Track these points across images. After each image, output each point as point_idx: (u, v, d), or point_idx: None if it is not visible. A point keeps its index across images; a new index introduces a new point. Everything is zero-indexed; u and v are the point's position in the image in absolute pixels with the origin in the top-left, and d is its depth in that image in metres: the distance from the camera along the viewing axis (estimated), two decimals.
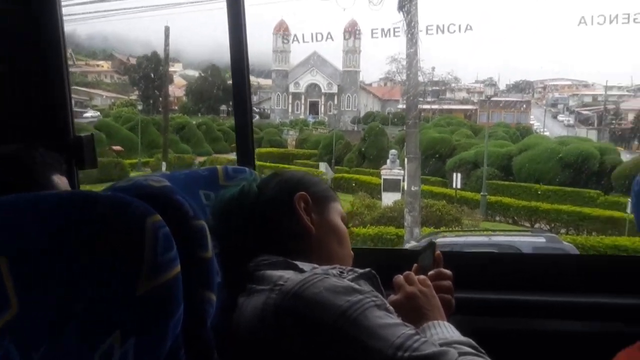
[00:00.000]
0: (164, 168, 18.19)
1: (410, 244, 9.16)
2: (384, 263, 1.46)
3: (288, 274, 1.01)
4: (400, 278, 1.19)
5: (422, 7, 10.82)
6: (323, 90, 33.63)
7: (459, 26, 16.04)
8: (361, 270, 1.09)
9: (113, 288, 0.78)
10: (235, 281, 1.08)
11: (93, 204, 0.82)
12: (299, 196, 1.19)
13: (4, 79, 1.91)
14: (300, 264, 1.06)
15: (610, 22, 13.98)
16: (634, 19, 13.41)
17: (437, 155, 21.37)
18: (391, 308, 1.02)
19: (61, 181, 1.42)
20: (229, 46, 1.95)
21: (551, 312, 1.64)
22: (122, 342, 0.77)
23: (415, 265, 1.31)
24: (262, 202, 1.19)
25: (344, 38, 28.95)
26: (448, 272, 1.28)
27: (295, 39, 29.22)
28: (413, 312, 1.11)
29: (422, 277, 1.20)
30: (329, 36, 18.99)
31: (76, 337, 0.77)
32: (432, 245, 1.31)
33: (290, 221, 1.18)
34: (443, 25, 15.67)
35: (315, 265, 1.07)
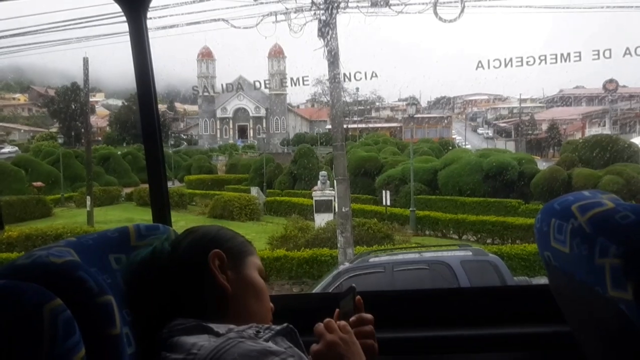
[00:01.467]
0: (88, 202, 17.48)
1: (344, 265, 9.21)
2: (304, 308, 1.48)
3: (202, 340, 0.99)
4: (320, 327, 1.16)
5: (341, 32, 11.18)
6: (251, 114, 33.60)
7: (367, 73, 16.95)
8: (278, 327, 1.09)
9: None
10: (148, 350, 1.05)
11: None
12: (214, 254, 1.16)
13: None
14: (215, 327, 1.03)
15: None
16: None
17: (366, 174, 21.77)
18: None
19: None
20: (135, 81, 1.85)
21: (468, 346, 1.67)
22: None
23: (337, 310, 1.29)
24: (175, 262, 1.15)
25: (269, 62, 29.20)
26: (369, 316, 1.27)
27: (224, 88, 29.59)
28: None
29: (342, 323, 1.17)
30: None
31: None
32: (352, 290, 1.29)
33: (205, 281, 1.14)
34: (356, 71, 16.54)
35: (231, 326, 1.05)
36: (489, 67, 14.86)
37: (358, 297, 1.29)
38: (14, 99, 36.85)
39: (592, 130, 27.21)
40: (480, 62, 15.03)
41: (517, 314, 1.71)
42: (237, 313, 1.14)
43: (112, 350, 0.93)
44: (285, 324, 1.11)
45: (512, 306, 1.76)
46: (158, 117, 1.90)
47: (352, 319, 1.25)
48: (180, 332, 1.04)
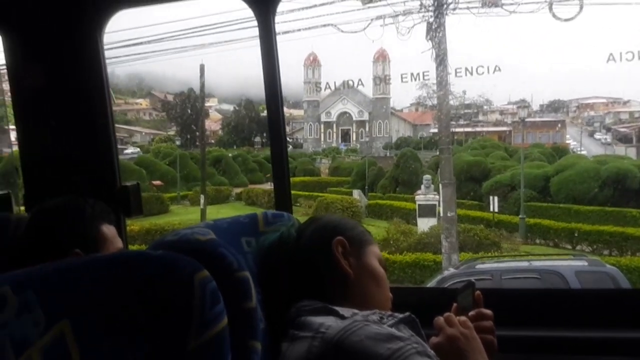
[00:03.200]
0: (202, 201, 18.46)
1: (449, 271, 9.06)
2: (422, 303, 1.50)
3: (329, 321, 1.03)
4: (440, 320, 1.17)
5: (451, 34, 10.99)
6: (354, 118, 33.80)
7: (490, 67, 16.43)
8: (401, 315, 1.12)
9: (166, 344, 0.82)
10: (278, 327, 1.12)
11: (144, 263, 0.87)
12: (337, 241, 1.22)
13: (55, 133, 1.99)
14: (340, 310, 1.07)
15: None
16: None
17: (472, 179, 21.14)
18: (432, 353, 1.03)
19: (109, 231, 1.50)
20: (262, 81, 1.93)
21: (593, 348, 1.62)
22: None
23: (454, 305, 1.30)
24: (301, 248, 1.23)
25: (374, 66, 29.22)
26: (489, 312, 1.26)
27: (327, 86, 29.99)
28: (455, 354, 1.11)
29: (462, 318, 1.18)
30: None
31: None
32: (471, 285, 1.30)
33: (328, 266, 1.20)
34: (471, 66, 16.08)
35: (356, 311, 1.09)
36: (620, 60, 13.87)
37: (477, 292, 1.29)
38: (136, 103, 39.76)
39: None
40: (611, 54, 14.05)
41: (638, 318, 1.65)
42: (358, 298, 1.19)
43: (249, 322, 1.01)
44: (407, 313, 1.14)
45: (634, 309, 1.70)
46: (283, 118, 2.00)
47: (471, 313, 1.26)
48: (307, 312, 1.10)
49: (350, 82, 30.28)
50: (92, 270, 0.86)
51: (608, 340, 1.63)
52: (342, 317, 1.05)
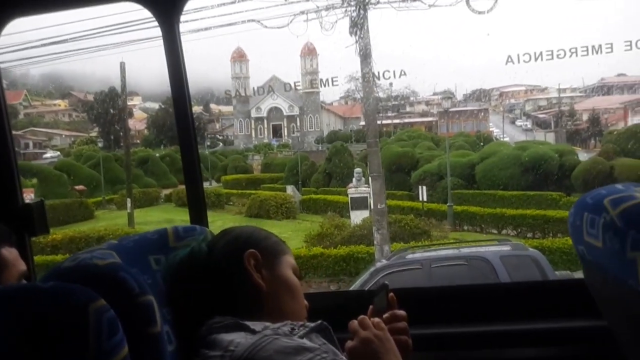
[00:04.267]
0: (129, 204, 17.90)
1: (381, 262, 9.17)
2: (338, 306, 1.50)
3: (239, 338, 1.01)
4: (354, 323, 1.17)
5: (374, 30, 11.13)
6: (285, 113, 33.78)
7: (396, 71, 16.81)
8: (312, 324, 1.10)
9: None
10: (188, 347, 1.08)
11: (33, 298, 0.82)
12: (249, 254, 1.19)
13: None
14: (251, 324, 1.05)
15: None
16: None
17: (401, 169, 21.61)
18: (344, 359, 1.03)
19: (10, 254, 1.39)
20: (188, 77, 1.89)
21: (504, 341, 1.65)
22: None
23: (370, 307, 1.30)
24: (212, 263, 1.18)
25: (302, 61, 29.27)
26: (402, 313, 1.28)
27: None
28: (369, 356, 1.11)
29: (376, 320, 1.18)
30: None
31: None
32: (385, 287, 1.30)
33: (241, 280, 1.17)
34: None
35: (267, 324, 1.06)
36: (518, 62, 14.66)
37: (391, 294, 1.30)
38: (54, 105, 37.99)
39: (635, 120, 26.28)
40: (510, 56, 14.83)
41: (553, 309, 1.69)
42: (272, 311, 1.16)
43: (154, 348, 0.97)
44: (319, 321, 1.12)
45: (548, 301, 1.74)
46: (192, 120, 1.94)
47: (385, 315, 1.26)
48: (218, 329, 1.06)
49: (278, 79, 30.20)
50: None
51: (528, 332, 1.66)
52: (253, 332, 1.03)
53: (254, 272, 1.18)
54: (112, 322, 0.83)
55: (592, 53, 14.05)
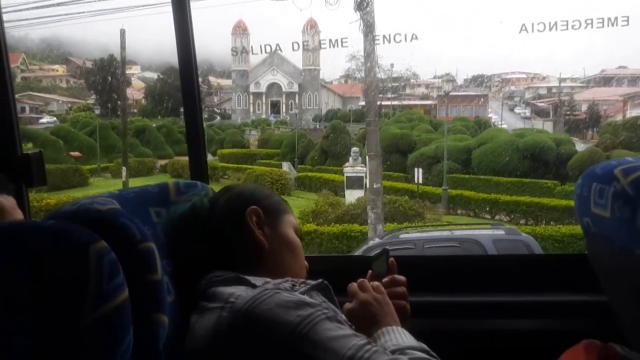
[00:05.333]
0: (124, 173, 17.84)
1: (374, 241, 9.22)
2: (338, 270, 1.48)
3: (239, 291, 1.00)
4: (354, 286, 1.19)
5: (379, 8, 10.95)
6: (284, 90, 33.58)
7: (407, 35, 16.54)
8: (313, 282, 1.09)
9: (55, 322, 0.76)
10: (188, 299, 1.07)
11: (33, 234, 0.81)
12: (251, 210, 1.18)
13: None
14: (252, 279, 1.05)
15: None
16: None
17: (398, 151, 21.60)
18: (343, 318, 1.02)
19: (8, 202, 1.38)
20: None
21: (501, 312, 1.67)
22: None
23: (369, 272, 1.30)
24: (213, 218, 1.18)
25: (303, 37, 28.98)
26: (402, 278, 1.28)
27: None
28: (367, 319, 1.11)
29: (375, 283, 1.19)
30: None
31: None
32: (385, 252, 1.31)
33: (242, 236, 1.16)
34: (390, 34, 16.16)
35: (268, 280, 1.05)
36: (532, 31, 14.35)
37: (391, 259, 1.31)
38: (52, 69, 37.60)
39: (634, 112, 26.27)
40: (524, 24, 14.51)
41: (551, 283, 1.71)
42: (272, 268, 1.16)
43: (154, 294, 0.95)
44: (320, 280, 1.11)
45: (547, 274, 1.75)
46: (199, 89, 1.95)
47: (384, 279, 1.27)
48: (218, 283, 1.06)
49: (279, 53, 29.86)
50: None
51: (520, 303, 1.68)
52: (254, 286, 1.02)
53: (255, 229, 1.17)
54: (112, 264, 0.82)
55: (608, 25, 13.77)
